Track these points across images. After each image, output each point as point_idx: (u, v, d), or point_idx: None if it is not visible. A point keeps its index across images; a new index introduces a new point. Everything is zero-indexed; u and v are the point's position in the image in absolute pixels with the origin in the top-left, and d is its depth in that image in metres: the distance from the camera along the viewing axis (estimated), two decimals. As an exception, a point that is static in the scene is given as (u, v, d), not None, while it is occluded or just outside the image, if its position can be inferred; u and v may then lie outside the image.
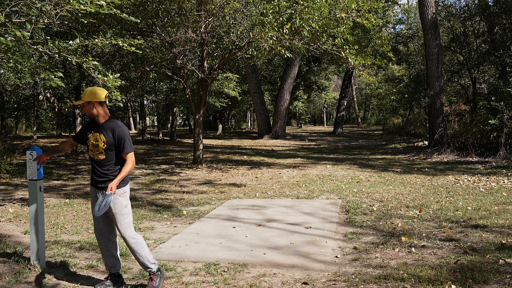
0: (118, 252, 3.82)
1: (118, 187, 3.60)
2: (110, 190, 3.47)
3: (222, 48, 11.77)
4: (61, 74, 5.13)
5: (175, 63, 11.74)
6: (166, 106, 22.60)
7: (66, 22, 7.57)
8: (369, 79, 39.14)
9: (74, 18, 6.16)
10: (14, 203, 7.03)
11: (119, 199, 3.60)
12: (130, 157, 3.64)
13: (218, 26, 10.39)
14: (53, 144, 18.10)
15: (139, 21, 6.43)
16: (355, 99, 45.29)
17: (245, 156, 14.52)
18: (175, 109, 23.30)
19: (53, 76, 5.00)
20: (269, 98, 35.70)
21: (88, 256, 4.52)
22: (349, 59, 9.95)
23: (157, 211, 6.61)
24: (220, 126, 28.96)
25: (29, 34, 5.05)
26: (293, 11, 8.97)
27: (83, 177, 9.91)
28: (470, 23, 20.56)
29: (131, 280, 3.90)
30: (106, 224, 3.74)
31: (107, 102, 3.87)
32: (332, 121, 47.37)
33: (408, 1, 34.81)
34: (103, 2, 5.19)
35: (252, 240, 5.00)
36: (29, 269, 4.03)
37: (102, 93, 3.66)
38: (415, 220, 5.74)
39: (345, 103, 28.97)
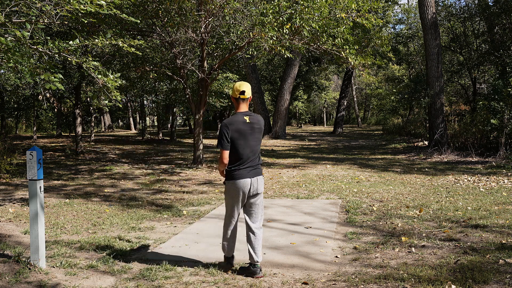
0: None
1: (226, 179, 3.90)
2: None
3: (222, 48, 11.76)
4: (61, 76, 5.13)
5: (175, 63, 11.73)
6: (166, 106, 22.59)
7: (66, 22, 7.56)
8: (369, 79, 39.11)
9: (74, 18, 6.15)
10: (14, 203, 7.03)
11: (225, 185, 3.94)
12: (221, 154, 3.81)
13: (218, 26, 10.39)
14: (53, 144, 18.11)
15: (139, 21, 6.43)
16: (355, 99, 45.27)
17: (245, 156, 14.51)
18: (175, 109, 23.27)
19: (53, 77, 5.00)
20: (269, 98, 35.68)
21: (88, 256, 4.52)
22: (349, 59, 9.94)
23: (157, 211, 6.61)
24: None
25: (29, 34, 5.05)
26: (293, 11, 8.97)
27: (83, 177, 9.91)
28: (470, 23, 20.55)
29: (131, 280, 3.90)
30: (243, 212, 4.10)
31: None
32: (332, 121, 47.37)
33: (408, 1, 34.79)
34: (103, 2, 5.19)
35: (252, 240, 5.00)
36: (29, 269, 4.03)
37: (236, 91, 3.86)
38: (415, 220, 5.74)
39: (345, 103, 28.96)
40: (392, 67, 33.19)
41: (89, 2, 5.12)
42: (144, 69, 11.92)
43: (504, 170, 10.05)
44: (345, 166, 11.76)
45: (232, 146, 3.81)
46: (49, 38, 6.18)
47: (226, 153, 3.79)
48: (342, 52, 9.92)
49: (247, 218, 4.04)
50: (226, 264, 4.09)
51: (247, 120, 3.85)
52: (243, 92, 3.84)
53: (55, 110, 23.61)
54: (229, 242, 4.03)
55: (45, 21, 5.41)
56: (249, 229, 4.01)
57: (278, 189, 8.37)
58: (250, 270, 3.92)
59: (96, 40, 5.49)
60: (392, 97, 26.36)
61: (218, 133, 3.72)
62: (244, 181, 3.82)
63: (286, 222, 5.82)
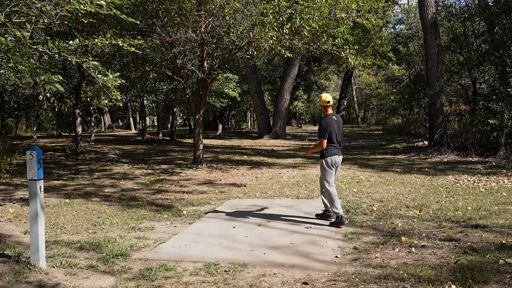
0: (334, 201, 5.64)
1: (321, 157, 5.68)
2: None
3: (222, 48, 11.76)
4: (60, 77, 5.12)
5: (175, 63, 11.73)
6: (166, 106, 22.59)
7: (66, 22, 7.56)
8: (369, 79, 39.12)
9: (74, 18, 6.15)
10: (14, 203, 7.04)
11: (321, 162, 5.69)
12: (321, 142, 5.63)
13: (218, 26, 10.38)
14: (53, 144, 18.11)
15: (138, 22, 6.43)
16: (355, 99, 45.26)
17: (245, 156, 14.52)
18: (175, 109, 23.27)
19: (53, 78, 4.99)
20: (269, 98, 35.67)
21: (88, 256, 4.52)
22: (349, 59, 9.93)
23: (157, 211, 6.61)
24: (220, 126, 28.93)
25: (29, 34, 5.05)
26: (293, 11, 8.96)
27: (83, 177, 9.91)
28: (470, 23, 20.56)
29: (131, 280, 3.89)
30: None
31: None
32: (332, 121, 47.19)
33: (408, 1, 34.78)
34: (103, 2, 5.19)
35: (252, 240, 5.00)
36: (29, 269, 4.03)
37: (321, 101, 5.72)
38: (415, 220, 5.74)
39: (345, 103, 28.94)
40: (392, 67, 33.18)
41: (89, 2, 5.12)
42: (144, 69, 11.92)
43: (504, 170, 10.05)
44: (345, 166, 11.76)
45: (328, 136, 5.64)
46: (49, 38, 6.18)
47: (325, 141, 5.63)
48: (342, 52, 9.91)
49: None
50: (340, 222, 5.47)
51: (335, 118, 5.71)
52: (329, 102, 5.70)
53: (55, 110, 23.60)
54: (335, 203, 5.52)
55: (45, 21, 5.40)
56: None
57: (278, 189, 8.37)
58: (336, 221, 5.62)
59: (96, 40, 5.48)
60: (392, 97, 26.36)
61: (319, 126, 5.66)
62: (336, 156, 5.66)
63: (286, 222, 5.82)
